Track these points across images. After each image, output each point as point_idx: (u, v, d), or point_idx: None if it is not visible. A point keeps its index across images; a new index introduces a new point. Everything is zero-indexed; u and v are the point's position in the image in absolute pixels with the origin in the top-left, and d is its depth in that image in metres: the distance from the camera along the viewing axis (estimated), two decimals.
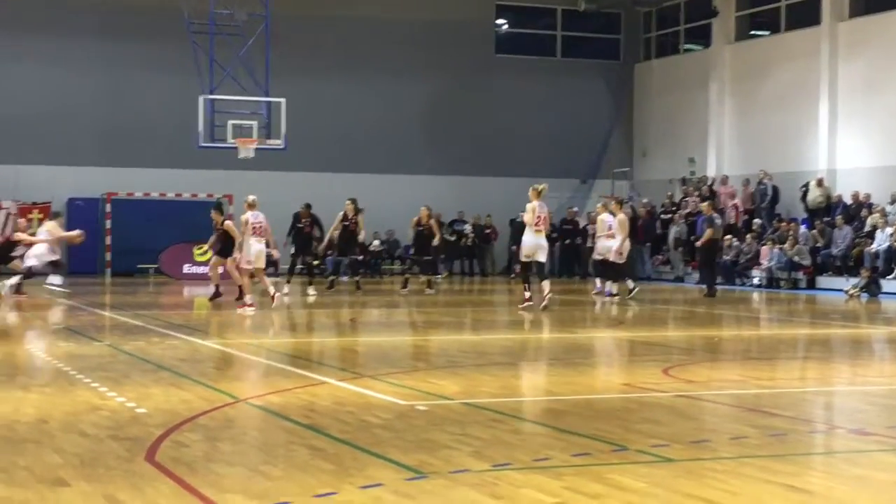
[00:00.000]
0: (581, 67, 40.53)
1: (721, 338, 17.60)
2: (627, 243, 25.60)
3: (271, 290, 21.38)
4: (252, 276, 21.30)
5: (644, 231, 35.25)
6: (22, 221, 28.43)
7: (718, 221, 27.94)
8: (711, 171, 36.89)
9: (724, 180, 35.45)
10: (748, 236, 32.15)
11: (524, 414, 9.59)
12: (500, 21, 40.62)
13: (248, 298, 20.72)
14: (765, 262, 31.24)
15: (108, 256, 34.72)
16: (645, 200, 36.90)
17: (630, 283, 25.84)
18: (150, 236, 33.36)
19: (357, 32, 37.56)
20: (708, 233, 26.84)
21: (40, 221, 34.32)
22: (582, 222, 36.45)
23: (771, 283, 30.89)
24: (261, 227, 20.93)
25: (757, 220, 32.97)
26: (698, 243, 27.84)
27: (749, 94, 36.42)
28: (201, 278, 30.24)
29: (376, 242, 36.40)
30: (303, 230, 27.19)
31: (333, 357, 14.04)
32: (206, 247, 27.96)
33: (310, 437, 8.59)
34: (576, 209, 37.49)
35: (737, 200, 34.20)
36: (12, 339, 16.75)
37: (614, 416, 9.70)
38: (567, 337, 18.16)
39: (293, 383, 11.42)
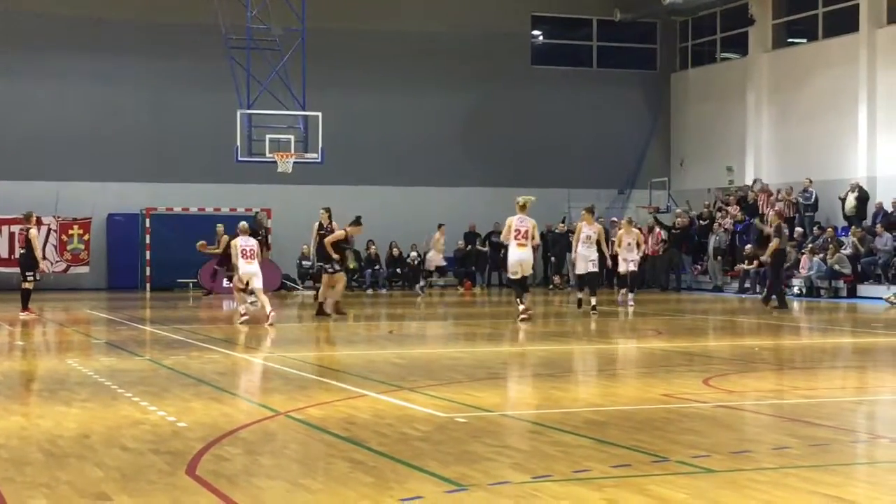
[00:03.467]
0: (617, 77, 40.46)
1: (761, 348, 17.49)
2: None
3: (267, 308, 21.61)
4: (246, 291, 22.01)
5: (684, 241, 35.09)
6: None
7: (786, 231, 27.70)
8: (749, 180, 36.67)
9: (763, 188, 35.21)
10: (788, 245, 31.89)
11: (564, 425, 9.56)
12: (535, 32, 40.60)
13: (241, 308, 21.65)
14: (804, 271, 31.03)
15: (148, 271, 34.86)
16: (683, 210, 36.68)
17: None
18: (189, 251, 33.40)
19: (393, 45, 37.63)
20: (775, 242, 26.06)
21: (80, 237, 34.68)
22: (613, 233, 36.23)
23: (811, 291, 30.68)
24: (251, 250, 21.55)
25: (798, 229, 32.75)
26: (763, 256, 27.38)
27: (787, 102, 36.20)
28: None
29: (413, 255, 36.40)
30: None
31: (373, 370, 14.04)
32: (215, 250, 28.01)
33: (350, 450, 8.60)
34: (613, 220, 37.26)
35: (777, 207, 33.89)
36: (53, 354, 16.86)
37: (654, 427, 9.66)
38: (606, 348, 18.11)
39: (333, 396, 11.44)
